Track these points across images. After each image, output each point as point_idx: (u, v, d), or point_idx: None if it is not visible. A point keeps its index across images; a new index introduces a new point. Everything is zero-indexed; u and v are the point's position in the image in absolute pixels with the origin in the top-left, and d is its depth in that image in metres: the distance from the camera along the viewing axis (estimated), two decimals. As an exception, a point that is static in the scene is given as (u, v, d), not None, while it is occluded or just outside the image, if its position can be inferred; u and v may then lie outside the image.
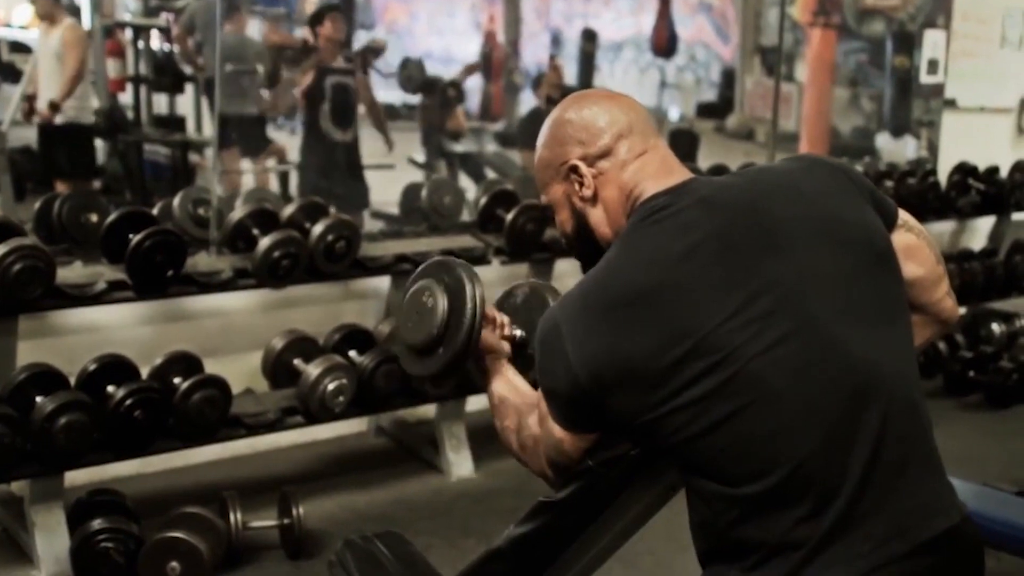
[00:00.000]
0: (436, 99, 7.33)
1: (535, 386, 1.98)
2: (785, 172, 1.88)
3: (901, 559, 1.64)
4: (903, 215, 1.93)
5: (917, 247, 1.92)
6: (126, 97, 7.43)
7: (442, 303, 2.07)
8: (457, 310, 2.06)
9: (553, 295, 2.19)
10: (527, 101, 8.33)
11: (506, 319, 2.20)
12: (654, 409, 1.67)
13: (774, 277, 1.70)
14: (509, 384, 2.10)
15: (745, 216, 1.75)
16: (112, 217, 4.12)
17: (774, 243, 1.73)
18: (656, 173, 1.86)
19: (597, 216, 1.91)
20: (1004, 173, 7.10)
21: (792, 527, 1.64)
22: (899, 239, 1.88)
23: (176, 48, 7.39)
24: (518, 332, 2.19)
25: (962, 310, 6.83)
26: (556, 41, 8.67)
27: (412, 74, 7.23)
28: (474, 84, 8.11)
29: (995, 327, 6.69)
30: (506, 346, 2.16)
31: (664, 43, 8.67)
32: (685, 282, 1.68)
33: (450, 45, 8.34)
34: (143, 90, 7.42)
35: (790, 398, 1.65)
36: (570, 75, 8.25)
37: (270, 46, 6.82)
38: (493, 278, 5.36)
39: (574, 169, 1.90)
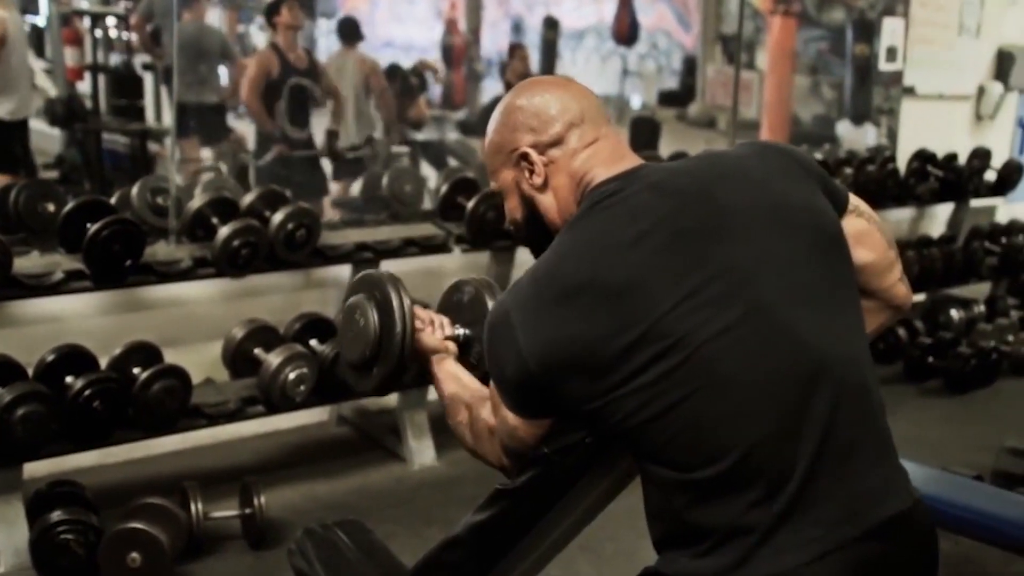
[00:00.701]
0: (397, 87, 7.30)
1: (485, 381, 1.99)
2: (736, 158, 1.88)
3: (852, 543, 1.65)
4: (854, 200, 1.93)
5: (868, 232, 1.92)
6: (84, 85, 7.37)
7: (373, 320, 2.11)
8: (388, 326, 2.09)
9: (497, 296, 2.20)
10: (489, 89, 8.32)
11: (446, 320, 2.21)
12: (605, 394, 1.67)
13: (725, 262, 1.70)
14: (457, 381, 2.11)
15: (696, 202, 1.75)
16: (69, 206, 4.10)
17: (725, 228, 1.73)
18: (607, 160, 1.86)
19: (547, 203, 1.90)
20: (962, 160, 7.16)
21: (744, 512, 1.64)
22: (850, 224, 1.88)
23: (135, 36, 7.33)
24: (461, 331, 2.20)
25: (921, 297, 6.90)
26: (518, 29, 8.67)
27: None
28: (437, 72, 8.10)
29: (953, 313, 6.75)
30: (451, 345, 2.18)
31: (626, 31, 8.68)
32: (635, 269, 1.68)
33: (411, 33, 8.31)
34: (101, 79, 7.35)
35: (741, 383, 1.65)
36: (532, 63, 8.24)
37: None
38: (454, 266, 5.38)
39: (524, 156, 1.89)
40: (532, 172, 1.89)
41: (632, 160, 1.87)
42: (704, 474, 1.65)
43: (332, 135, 6.56)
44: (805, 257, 1.76)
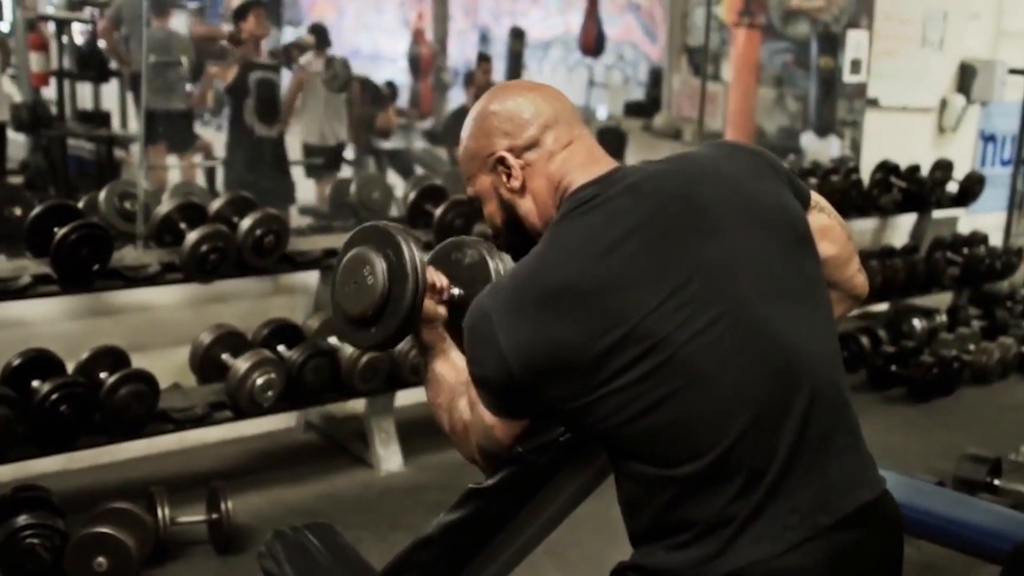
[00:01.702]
0: (368, 97, 7.30)
1: None
2: (708, 158, 1.91)
3: (827, 531, 1.69)
4: (815, 196, 1.98)
5: (830, 227, 1.97)
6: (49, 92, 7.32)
7: (383, 277, 2.00)
8: (398, 288, 1.99)
9: (501, 269, 2.10)
10: (456, 99, 8.32)
11: (445, 281, 2.10)
12: (587, 395, 1.70)
13: (703, 262, 1.73)
14: (448, 361, 2.03)
15: (673, 202, 1.78)
16: (37, 210, 4.08)
17: (702, 228, 1.76)
18: (583, 163, 1.88)
19: (526, 207, 1.92)
20: (925, 171, 7.23)
21: (726, 505, 1.67)
22: (813, 220, 1.92)
23: (103, 42, 7.29)
24: (456, 291, 2.09)
25: (884, 306, 6.96)
26: (484, 39, 8.67)
27: (337, 72, 7.20)
28: (404, 81, 8.10)
29: (916, 323, 6.82)
30: (443, 311, 2.07)
31: (592, 42, 8.69)
32: (616, 271, 1.71)
33: (378, 42, 8.31)
34: (67, 84, 7.31)
35: (721, 381, 1.68)
36: (498, 73, 8.25)
37: (197, 40, 6.76)
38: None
39: (501, 161, 1.91)
40: (510, 176, 1.91)
41: (608, 162, 1.90)
42: (686, 470, 1.68)
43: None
44: (779, 254, 1.80)
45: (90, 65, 7.14)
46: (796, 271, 1.81)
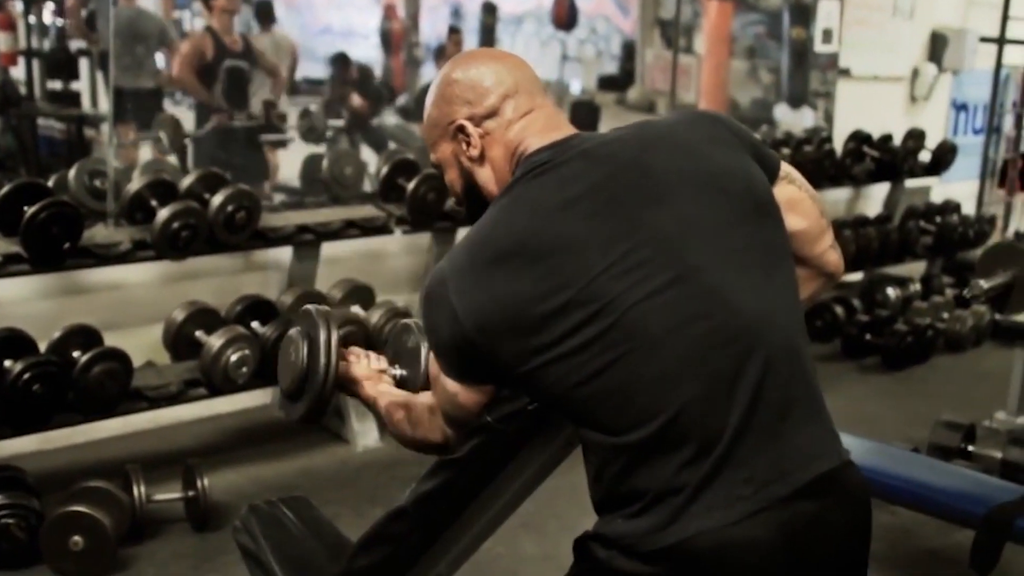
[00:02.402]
0: (344, 75, 7.30)
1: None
2: (667, 125, 1.90)
3: (781, 502, 1.67)
4: (785, 168, 1.96)
5: (799, 199, 1.94)
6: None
7: (302, 353, 2.15)
8: (314, 359, 2.14)
9: None
10: (428, 75, 8.30)
11: (381, 357, 2.28)
12: (536, 356, 1.70)
13: (655, 227, 1.72)
14: (390, 394, 2.14)
15: (626, 168, 1.78)
16: (6, 189, 4.05)
17: (655, 194, 1.75)
18: (541, 130, 1.88)
19: (485, 175, 1.93)
20: (897, 141, 7.25)
21: (675, 473, 1.66)
22: (781, 192, 1.90)
23: (68, 21, 7.24)
24: (398, 371, 2.25)
25: (858, 275, 6.99)
26: (456, 13, 8.65)
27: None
28: (376, 57, 8.07)
29: (890, 291, 6.85)
30: (384, 376, 2.22)
31: (565, 16, 8.68)
32: (565, 233, 1.71)
33: (350, 18, 8.27)
34: (35, 64, 7.27)
35: (669, 345, 1.67)
36: (470, 47, 8.23)
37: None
38: (395, 248, 5.38)
39: (461, 129, 1.91)
40: (469, 144, 1.91)
41: (566, 130, 1.89)
42: (634, 437, 1.67)
43: (269, 105, 6.53)
44: (734, 221, 1.78)
45: (59, 68, 7.12)
46: (753, 239, 1.79)
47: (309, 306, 2.23)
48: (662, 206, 1.75)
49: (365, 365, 2.22)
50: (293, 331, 2.22)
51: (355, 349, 2.26)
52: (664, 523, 1.66)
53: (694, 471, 1.66)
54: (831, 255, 2.00)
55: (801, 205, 1.94)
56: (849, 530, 1.78)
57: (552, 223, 1.72)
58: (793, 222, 1.90)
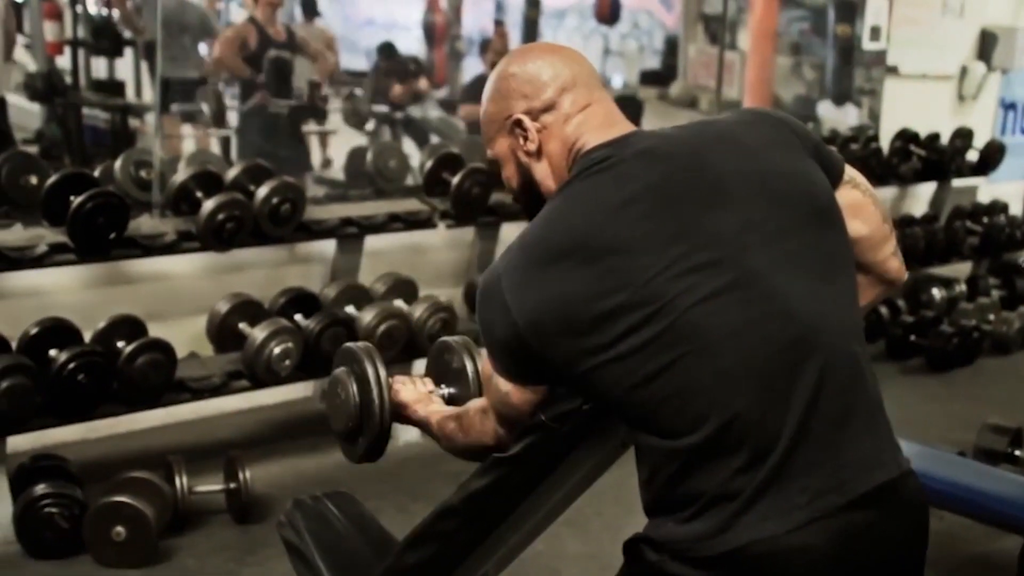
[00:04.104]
0: (393, 67, 7.33)
1: None
2: (728, 125, 1.87)
3: (838, 511, 1.64)
4: (850, 172, 1.92)
5: (862, 204, 1.91)
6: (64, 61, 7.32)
7: (353, 393, 2.17)
8: (367, 399, 2.16)
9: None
10: (471, 68, 8.30)
11: (428, 380, 2.34)
12: (590, 357, 1.68)
13: (713, 230, 1.70)
14: (441, 411, 2.18)
15: (685, 168, 1.75)
16: (53, 179, 4.06)
17: (714, 196, 1.73)
18: (599, 126, 1.85)
19: (542, 170, 1.90)
20: (945, 140, 7.17)
21: (729, 478, 1.64)
22: (844, 196, 1.87)
23: (116, 12, 7.28)
24: (445, 390, 2.30)
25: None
26: (499, 7, 8.64)
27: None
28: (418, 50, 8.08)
29: (936, 292, 6.78)
30: (434, 396, 2.27)
31: (607, 10, 8.66)
32: (622, 233, 1.69)
33: (393, 11, 8.28)
34: (81, 54, 7.31)
35: (726, 349, 1.65)
36: (514, 42, 8.22)
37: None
38: (439, 242, 5.36)
39: (518, 123, 1.89)
40: (526, 139, 1.89)
41: (624, 126, 1.86)
42: (688, 441, 1.65)
43: (314, 86, 6.57)
44: (794, 226, 1.75)
45: (104, 36, 7.14)
46: (813, 244, 1.76)
47: (349, 344, 2.27)
48: (721, 208, 1.72)
49: (412, 389, 2.25)
50: (339, 371, 2.23)
51: (400, 377, 2.29)
52: (717, 529, 1.64)
53: (749, 478, 1.63)
54: (892, 262, 1.97)
55: (864, 210, 1.91)
56: (905, 540, 1.75)
57: (609, 223, 1.70)
58: (855, 227, 1.87)
